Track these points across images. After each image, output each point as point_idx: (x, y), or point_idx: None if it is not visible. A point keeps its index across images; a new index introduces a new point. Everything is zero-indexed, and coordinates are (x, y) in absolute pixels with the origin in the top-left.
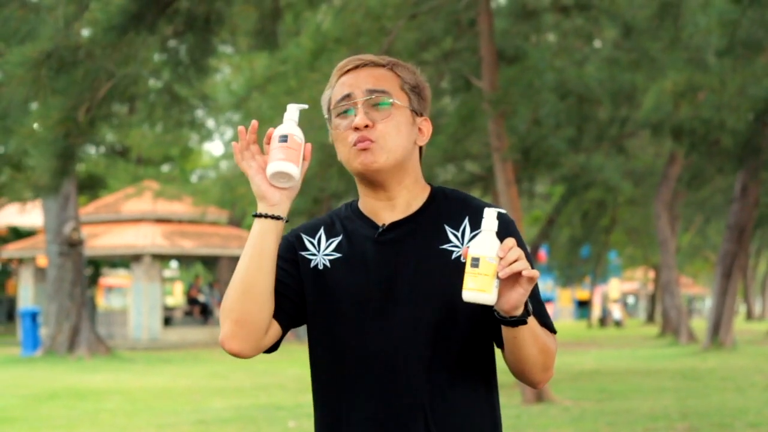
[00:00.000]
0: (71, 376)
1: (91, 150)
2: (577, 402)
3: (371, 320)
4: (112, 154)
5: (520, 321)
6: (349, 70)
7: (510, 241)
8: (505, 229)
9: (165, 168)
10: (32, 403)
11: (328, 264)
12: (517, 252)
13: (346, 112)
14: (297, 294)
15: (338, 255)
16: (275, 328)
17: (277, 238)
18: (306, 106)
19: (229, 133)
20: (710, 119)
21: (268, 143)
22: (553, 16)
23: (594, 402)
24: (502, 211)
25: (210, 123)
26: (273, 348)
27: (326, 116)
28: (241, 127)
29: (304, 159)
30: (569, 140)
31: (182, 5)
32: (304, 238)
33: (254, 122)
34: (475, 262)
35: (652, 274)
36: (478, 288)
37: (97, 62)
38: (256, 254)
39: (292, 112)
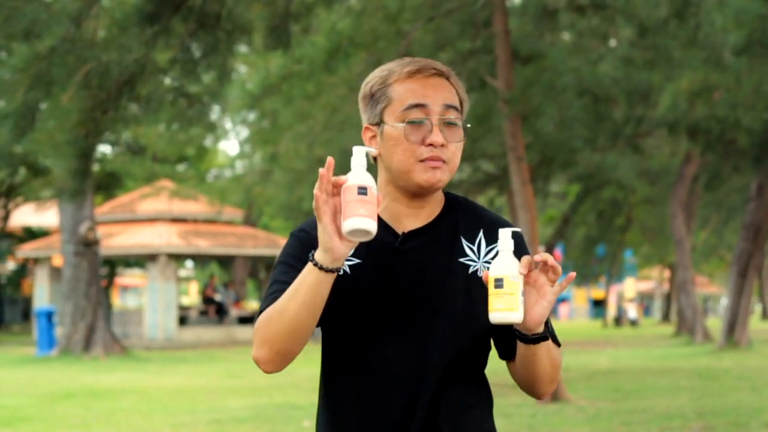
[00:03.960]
0: (87, 376)
1: (108, 149)
2: (592, 401)
3: (389, 331)
4: (128, 152)
5: (542, 338)
6: (418, 77)
7: (528, 257)
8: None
9: (180, 168)
10: (48, 403)
11: (347, 269)
12: (544, 256)
13: (416, 122)
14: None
15: (357, 260)
16: None
17: (330, 286)
18: (374, 151)
19: (244, 132)
20: (726, 118)
21: (336, 189)
22: (569, 15)
23: (609, 401)
24: (517, 230)
25: (225, 122)
26: None
27: (375, 111)
28: (322, 170)
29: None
30: (585, 139)
31: (195, 3)
32: None
33: (330, 160)
34: (499, 283)
35: (667, 273)
36: (506, 308)
37: (107, 60)
38: (310, 301)
39: (360, 156)
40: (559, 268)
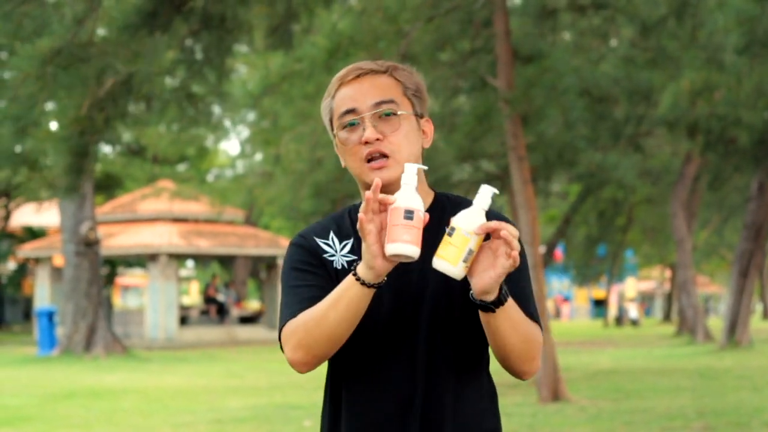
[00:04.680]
0: (87, 376)
1: (108, 149)
2: (593, 401)
3: (382, 326)
4: (128, 153)
5: (488, 308)
6: (349, 81)
7: (490, 223)
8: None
9: (181, 168)
10: (49, 403)
11: (345, 265)
12: (506, 226)
13: (352, 124)
14: None
15: (354, 257)
16: None
17: (370, 298)
18: (425, 168)
19: (244, 132)
20: (726, 117)
21: (383, 206)
22: (570, 15)
23: (610, 401)
24: (496, 191)
25: (226, 122)
26: None
27: (327, 125)
28: (368, 193)
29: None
30: (586, 139)
31: (197, 4)
32: (319, 242)
33: (378, 182)
34: (451, 231)
35: (668, 273)
36: (446, 257)
37: (108, 60)
38: (352, 313)
39: (411, 174)
40: (514, 243)
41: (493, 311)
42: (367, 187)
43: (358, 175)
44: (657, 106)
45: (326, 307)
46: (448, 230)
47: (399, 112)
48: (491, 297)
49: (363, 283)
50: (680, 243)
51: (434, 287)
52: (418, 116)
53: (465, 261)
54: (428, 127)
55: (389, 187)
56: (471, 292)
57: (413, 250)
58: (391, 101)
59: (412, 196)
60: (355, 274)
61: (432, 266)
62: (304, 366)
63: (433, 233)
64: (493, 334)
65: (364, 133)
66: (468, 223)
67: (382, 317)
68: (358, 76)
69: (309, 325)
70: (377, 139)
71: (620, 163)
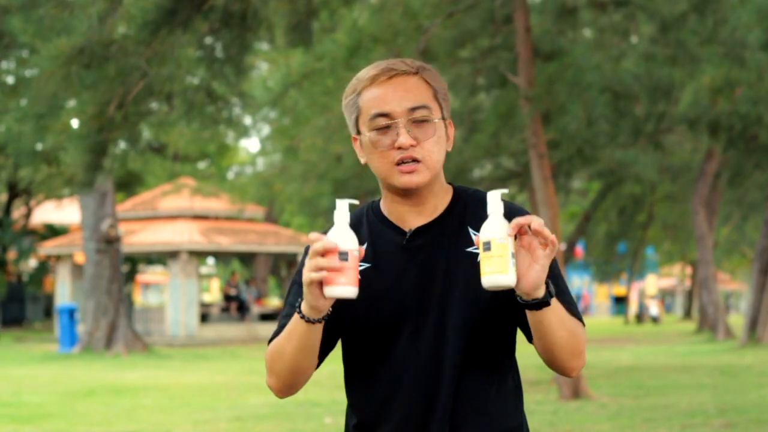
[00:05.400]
0: (108, 373)
1: (127, 147)
2: (614, 398)
3: (405, 328)
4: (148, 151)
5: (543, 303)
6: (380, 80)
7: (516, 219)
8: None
9: (201, 165)
10: (69, 400)
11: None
12: (533, 217)
13: (386, 127)
14: (330, 321)
15: (366, 265)
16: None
17: (320, 331)
18: (356, 202)
19: (265, 129)
20: (748, 114)
21: (322, 252)
22: (590, 12)
23: (631, 398)
24: (504, 191)
25: (247, 120)
26: None
27: (351, 122)
28: (315, 248)
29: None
30: (606, 135)
31: (218, 2)
32: None
33: (321, 239)
34: (487, 246)
35: (689, 270)
36: (495, 270)
37: (129, 58)
38: (303, 346)
39: (343, 211)
40: (546, 232)
41: (548, 304)
42: (391, 188)
43: (385, 178)
44: (678, 103)
45: (284, 341)
46: (482, 249)
47: (435, 120)
48: (542, 292)
49: (307, 320)
50: (701, 240)
51: (461, 289)
52: (444, 119)
53: (513, 266)
54: (451, 129)
55: (415, 190)
56: (518, 296)
57: (349, 291)
58: (426, 107)
59: (345, 236)
60: (299, 312)
61: (482, 286)
62: (280, 392)
63: (456, 232)
64: (545, 331)
65: (398, 138)
66: (497, 230)
67: (408, 324)
68: (389, 78)
69: (274, 355)
70: (411, 146)
71: (640, 160)
